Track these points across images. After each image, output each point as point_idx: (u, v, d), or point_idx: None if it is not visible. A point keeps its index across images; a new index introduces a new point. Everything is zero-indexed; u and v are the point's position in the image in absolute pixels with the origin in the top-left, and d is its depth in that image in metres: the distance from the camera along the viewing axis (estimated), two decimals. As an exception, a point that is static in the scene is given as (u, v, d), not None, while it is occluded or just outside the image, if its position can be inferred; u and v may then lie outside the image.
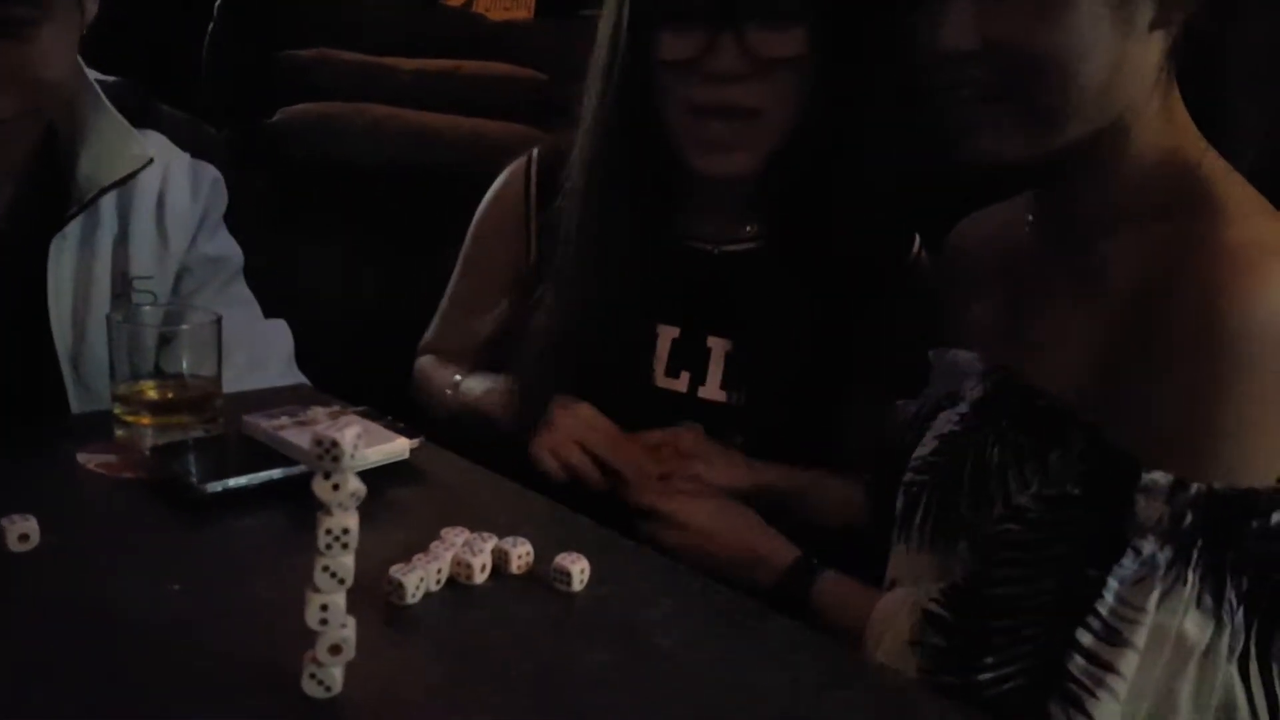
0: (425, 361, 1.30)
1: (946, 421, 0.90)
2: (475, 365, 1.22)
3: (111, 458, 0.89)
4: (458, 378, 1.21)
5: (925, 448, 0.91)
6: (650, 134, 1.07)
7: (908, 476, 0.91)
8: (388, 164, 1.97)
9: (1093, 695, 0.72)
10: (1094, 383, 0.80)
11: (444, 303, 1.31)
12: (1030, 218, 0.93)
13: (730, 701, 0.63)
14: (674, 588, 0.76)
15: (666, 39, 1.04)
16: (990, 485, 0.82)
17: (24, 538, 0.73)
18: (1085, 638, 0.73)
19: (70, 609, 0.68)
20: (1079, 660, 0.73)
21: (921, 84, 0.85)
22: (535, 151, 1.24)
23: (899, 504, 0.92)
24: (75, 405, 1.07)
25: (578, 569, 0.73)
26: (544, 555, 0.75)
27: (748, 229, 1.14)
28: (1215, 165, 0.81)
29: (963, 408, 0.89)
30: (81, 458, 0.89)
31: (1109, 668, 0.72)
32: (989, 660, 0.76)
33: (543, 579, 0.74)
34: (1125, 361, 0.78)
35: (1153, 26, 0.79)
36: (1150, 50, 0.80)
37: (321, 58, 2.08)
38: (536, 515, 0.85)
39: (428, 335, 1.32)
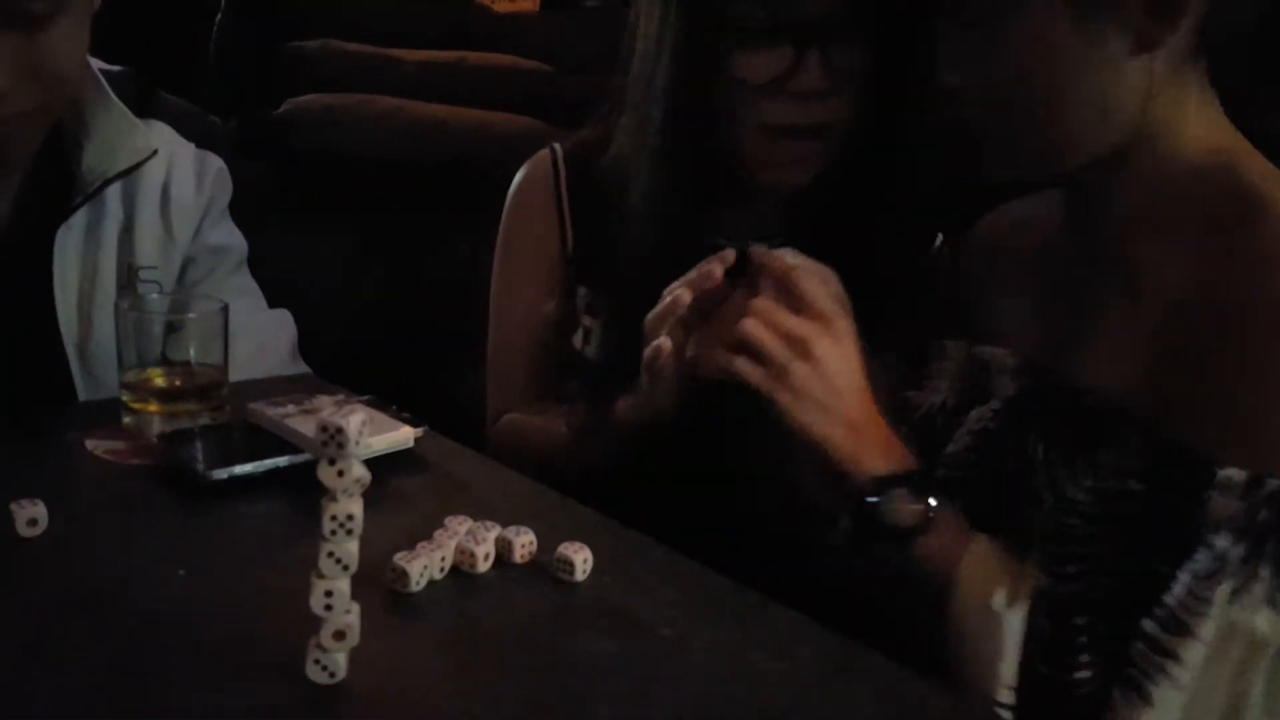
0: (510, 422, 1.17)
1: (980, 418, 0.89)
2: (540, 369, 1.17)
3: (119, 444, 0.89)
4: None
5: (958, 444, 0.89)
6: (708, 151, 1.05)
7: (940, 473, 0.89)
8: (393, 155, 1.97)
9: (1152, 680, 0.72)
10: (1148, 382, 0.79)
11: (491, 317, 1.23)
12: (1061, 216, 0.93)
13: (733, 691, 0.64)
14: (677, 577, 0.76)
15: (743, 58, 1.00)
16: (1037, 482, 0.81)
17: (32, 523, 0.74)
18: (1149, 625, 0.73)
19: (77, 594, 0.68)
20: (1140, 646, 0.73)
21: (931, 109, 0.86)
22: (558, 146, 1.20)
23: None
24: (82, 394, 1.07)
25: (581, 558, 0.73)
26: (547, 544, 0.75)
27: (774, 226, 1.14)
28: (1260, 167, 0.80)
29: (995, 404, 0.88)
30: (90, 444, 0.89)
31: (1170, 654, 0.72)
32: (1083, 659, 0.75)
33: (546, 568, 0.74)
34: (1191, 364, 0.77)
35: (1139, 50, 0.78)
36: (1144, 71, 0.79)
37: (327, 49, 2.09)
38: (540, 504, 0.86)
39: (491, 396, 1.21)
